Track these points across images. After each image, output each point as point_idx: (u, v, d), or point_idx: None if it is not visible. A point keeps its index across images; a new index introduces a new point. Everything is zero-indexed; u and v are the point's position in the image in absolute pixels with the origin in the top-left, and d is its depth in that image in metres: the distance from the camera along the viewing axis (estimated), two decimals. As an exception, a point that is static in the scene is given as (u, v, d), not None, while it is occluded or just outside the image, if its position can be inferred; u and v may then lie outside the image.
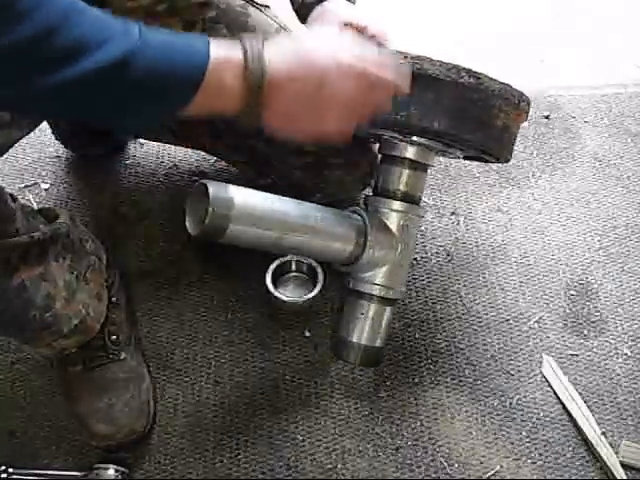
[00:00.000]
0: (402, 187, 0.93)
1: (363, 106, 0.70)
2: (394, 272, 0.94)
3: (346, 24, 0.85)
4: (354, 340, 0.95)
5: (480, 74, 0.84)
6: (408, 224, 0.94)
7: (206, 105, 0.64)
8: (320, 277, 1.08)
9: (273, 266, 1.09)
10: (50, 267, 0.85)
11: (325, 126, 0.70)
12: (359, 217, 0.93)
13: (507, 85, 0.87)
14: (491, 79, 0.85)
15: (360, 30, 0.85)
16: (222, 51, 0.64)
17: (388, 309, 0.96)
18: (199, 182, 0.78)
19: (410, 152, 0.92)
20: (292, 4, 0.93)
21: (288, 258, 1.10)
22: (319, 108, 0.68)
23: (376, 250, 0.91)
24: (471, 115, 0.84)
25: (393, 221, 0.93)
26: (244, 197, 0.81)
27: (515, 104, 0.88)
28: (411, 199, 0.94)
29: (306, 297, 1.07)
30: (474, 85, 0.83)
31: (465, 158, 1.04)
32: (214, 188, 0.77)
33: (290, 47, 0.66)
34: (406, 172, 0.93)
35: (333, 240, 0.89)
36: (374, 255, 0.91)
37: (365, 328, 0.95)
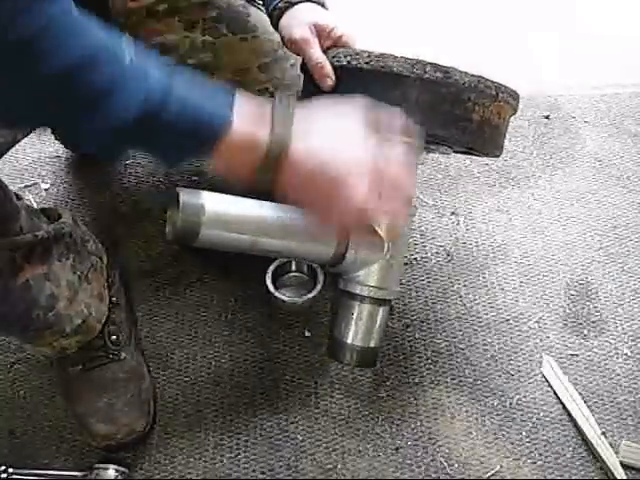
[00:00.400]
0: None
1: (374, 211, 0.71)
2: (384, 272, 0.92)
3: (314, 25, 0.85)
4: (348, 341, 0.94)
5: (448, 68, 0.81)
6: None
7: (222, 165, 0.68)
8: (320, 277, 1.08)
9: (273, 266, 1.09)
10: (54, 267, 0.85)
11: (330, 216, 0.74)
12: None
13: (479, 77, 0.83)
14: (461, 72, 0.82)
15: (329, 32, 0.86)
16: (246, 124, 0.65)
17: (381, 309, 0.94)
18: (175, 190, 0.80)
19: None
20: (265, 8, 0.93)
21: (287, 259, 1.10)
22: (328, 199, 0.70)
23: (359, 251, 0.88)
24: (442, 110, 0.82)
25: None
26: (215, 202, 0.81)
27: (492, 96, 0.85)
28: None
29: (306, 297, 1.07)
30: (441, 79, 0.81)
31: (457, 152, 1.03)
32: (185, 196, 0.78)
33: (317, 129, 0.67)
34: None
35: (311, 242, 0.87)
36: (358, 256, 0.88)
37: (358, 329, 0.93)
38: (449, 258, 1.18)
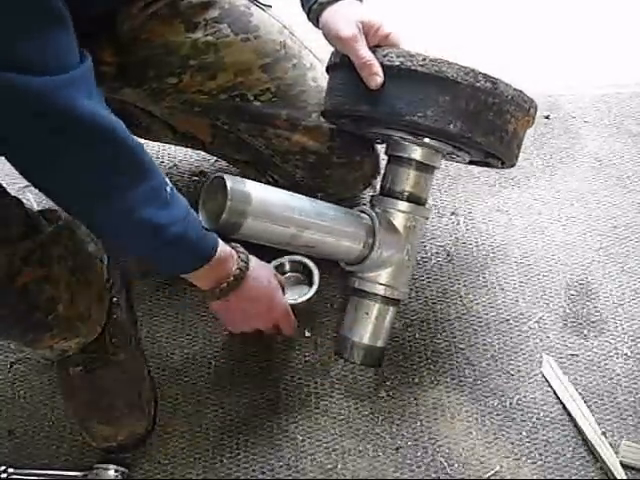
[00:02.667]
0: (409, 188, 0.93)
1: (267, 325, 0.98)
2: (399, 273, 0.95)
3: (361, 22, 0.86)
4: (356, 339, 0.95)
5: (496, 79, 0.85)
6: (414, 225, 0.94)
7: (197, 277, 0.85)
8: (316, 278, 1.06)
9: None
10: (53, 269, 0.84)
11: (247, 326, 0.97)
12: (368, 217, 0.93)
13: (520, 91, 0.87)
14: (506, 84, 0.86)
15: (375, 30, 0.87)
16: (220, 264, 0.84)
17: (391, 309, 0.96)
18: (215, 176, 0.78)
19: (418, 154, 0.92)
20: (302, 5, 0.93)
21: (282, 260, 1.08)
22: (248, 317, 0.95)
23: (384, 250, 0.91)
24: (485, 119, 0.85)
25: (400, 222, 0.93)
26: (262, 192, 0.81)
27: (526, 110, 0.89)
28: (417, 200, 0.94)
29: (302, 299, 1.05)
30: (490, 89, 0.84)
31: (470, 163, 1.04)
32: (232, 182, 0.77)
33: (253, 284, 0.89)
34: (413, 173, 0.93)
35: (344, 239, 0.90)
36: (382, 255, 0.91)
37: (368, 328, 0.95)
38: (449, 258, 1.18)
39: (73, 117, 0.66)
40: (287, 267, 1.10)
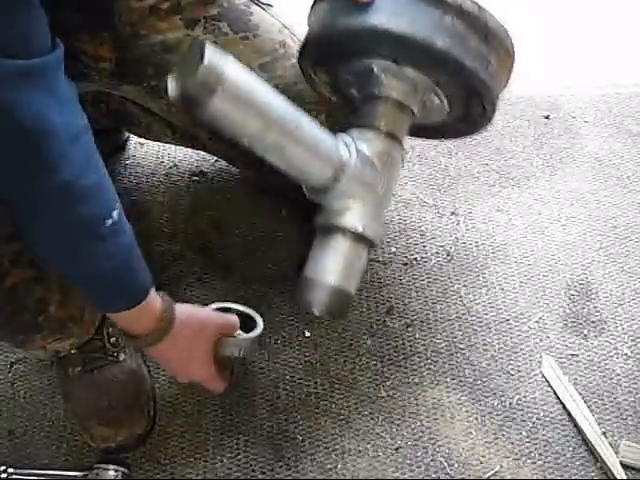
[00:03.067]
0: (384, 124, 0.88)
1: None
2: (372, 209, 0.86)
3: None
4: (319, 278, 0.83)
5: (484, 8, 0.84)
6: (390, 161, 0.88)
7: (128, 318, 0.82)
8: (259, 320, 0.99)
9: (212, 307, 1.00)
10: (44, 270, 0.84)
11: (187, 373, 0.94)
12: (344, 143, 0.86)
13: (505, 28, 0.87)
14: (491, 15, 0.85)
15: None
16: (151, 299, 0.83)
17: (362, 250, 0.85)
18: (195, 41, 0.72)
19: (395, 90, 0.88)
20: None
21: (225, 305, 1.00)
22: (184, 362, 0.92)
23: (356, 180, 0.83)
24: (471, 43, 0.84)
25: (375, 154, 0.87)
26: (242, 69, 0.74)
27: (508, 51, 0.88)
28: (393, 138, 0.89)
29: (247, 336, 0.96)
30: (476, 13, 0.84)
31: (443, 131, 1.00)
32: (210, 50, 0.70)
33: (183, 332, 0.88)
34: (390, 111, 0.88)
35: (315, 156, 0.81)
36: (353, 185, 0.83)
37: (333, 265, 0.83)
38: (449, 258, 1.18)
39: (6, 110, 0.60)
40: (230, 309, 1.01)
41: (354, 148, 0.85)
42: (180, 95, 0.71)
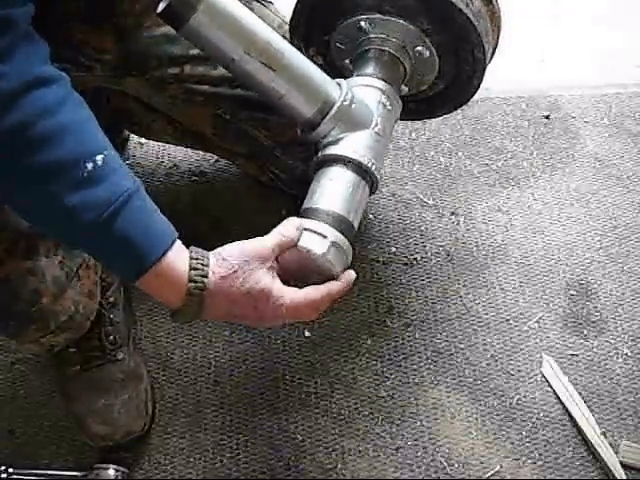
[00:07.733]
0: (380, 71, 0.89)
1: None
2: (370, 142, 0.84)
3: None
4: (323, 207, 0.79)
5: None
6: (386, 103, 0.88)
7: (152, 286, 0.70)
8: None
9: None
10: (39, 262, 0.83)
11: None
12: (337, 83, 0.86)
13: None
14: None
15: None
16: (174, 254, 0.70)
17: (362, 184, 0.82)
18: None
19: (384, 43, 0.90)
20: None
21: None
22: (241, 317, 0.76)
23: (345, 116, 0.83)
24: None
25: (366, 95, 0.87)
26: None
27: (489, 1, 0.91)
28: (386, 83, 0.89)
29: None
30: None
31: (432, 93, 0.99)
32: None
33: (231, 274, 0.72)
34: (381, 62, 0.90)
35: (301, 86, 0.81)
36: (341, 121, 0.82)
37: (334, 194, 0.80)
38: (449, 258, 1.18)
39: None
40: None
41: (345, 87, 0.85)
42: (164, 9, 0.74)
